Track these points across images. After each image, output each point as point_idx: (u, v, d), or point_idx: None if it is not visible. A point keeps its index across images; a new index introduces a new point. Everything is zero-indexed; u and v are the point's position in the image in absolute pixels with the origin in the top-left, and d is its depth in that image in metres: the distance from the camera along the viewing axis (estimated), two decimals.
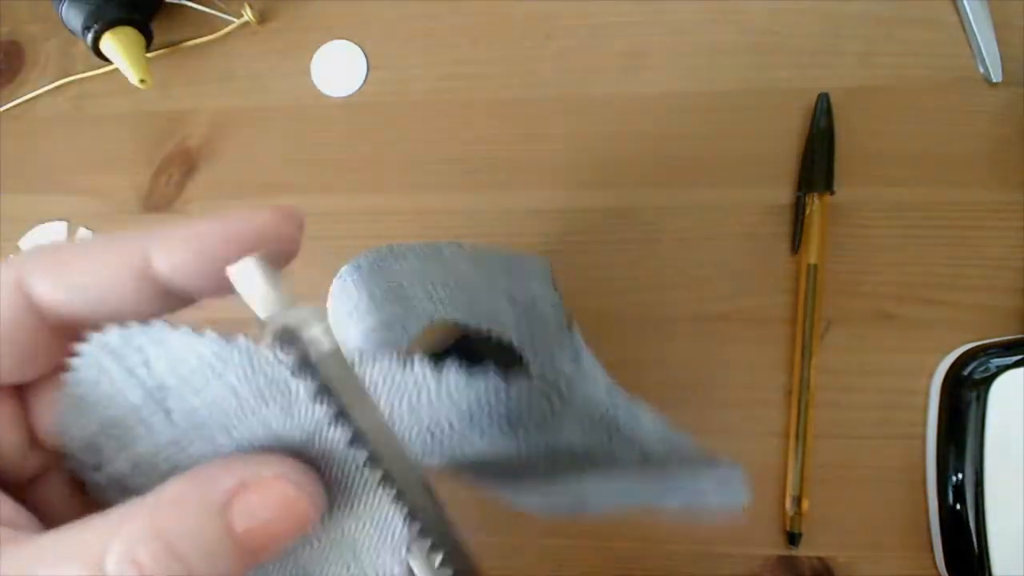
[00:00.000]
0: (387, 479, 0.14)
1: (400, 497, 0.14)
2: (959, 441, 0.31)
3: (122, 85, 0.38)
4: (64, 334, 0.16)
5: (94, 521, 0.13)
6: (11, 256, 0.15)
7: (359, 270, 0.31)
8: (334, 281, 0.32)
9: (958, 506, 0.30)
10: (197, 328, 0.14)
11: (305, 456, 0.15)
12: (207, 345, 0.14)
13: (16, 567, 0.13)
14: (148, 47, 0.38)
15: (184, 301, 0.16)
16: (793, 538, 0.33)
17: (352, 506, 0.15)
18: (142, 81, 0.37)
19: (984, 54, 0.34)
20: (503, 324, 0.32)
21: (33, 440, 0.16)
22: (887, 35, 0.35)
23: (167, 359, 0.15)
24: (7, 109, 0.40)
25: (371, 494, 0.15)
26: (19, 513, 0.15)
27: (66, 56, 0.41)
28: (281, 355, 0.13)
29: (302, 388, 0.14)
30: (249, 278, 0.13)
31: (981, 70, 0.34)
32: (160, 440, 0.15)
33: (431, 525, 0.15)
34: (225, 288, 0.14)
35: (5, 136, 0.40)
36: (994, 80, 0.34)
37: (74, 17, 0.37)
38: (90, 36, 0.36)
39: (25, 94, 0.40)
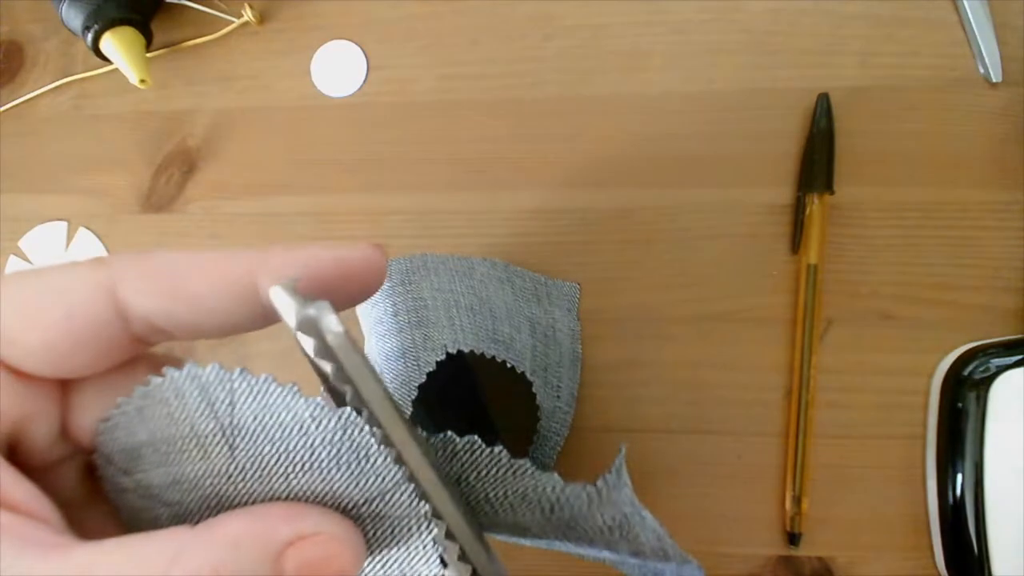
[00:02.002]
0: (399, 460, 0.15)
1: (413, 480, 0.15)
2: (959, 441, 0.31)
3: (122, 85, 0.38)
4: (138, 339, 0.16)
5: (146, 543, 0.13)
6: (103, 256, 0.15)
7: (389, 278, 0.31)
8: None
9: (958, 506, 0.30)
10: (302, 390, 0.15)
11: (355, 513, 0.16)
12: (307, 407, 0.15)
13: None
14: (148, 47, 0.38)
15: (275, 320, 0.16)
16: (793, 538, 0.33)
17: (385, 560, 0.17)
18: (142, 81, 0.37)
19: (984, 54, 0.34)
20: (519, 352, 0.32)
21: (63, 430, 0.16)
22: (887, 35, 0.35)
23: (256, 407, 0.15)
24: (7, 109, 0.40)
25: (406, 548, 0.16)
26: (43, 504, 0.15)
27: (66, 56, 0.41)
28: (305, 338, 0.14)
29: (373, 449, 0.15)
30: (283, 298, 0.15)
31: (981, 70, 0.34)
32: (213, 469, 0.15)
33: (459, 528, 0.16)
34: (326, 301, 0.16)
35: (5, 136, 0.40)
36: (994, 80, 0.34)
37: (74, 17, 0.37)
38: (90, 36, 0.36)
39: (25, 94, 0.40)
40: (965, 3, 0.34)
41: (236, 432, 0.15)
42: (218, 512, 0.16)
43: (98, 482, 0.17)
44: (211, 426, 0.15)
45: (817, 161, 0.34)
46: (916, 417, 0.33)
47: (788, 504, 0.33)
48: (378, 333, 0.32)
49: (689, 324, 0.35)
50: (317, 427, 0.15)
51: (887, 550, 0.33)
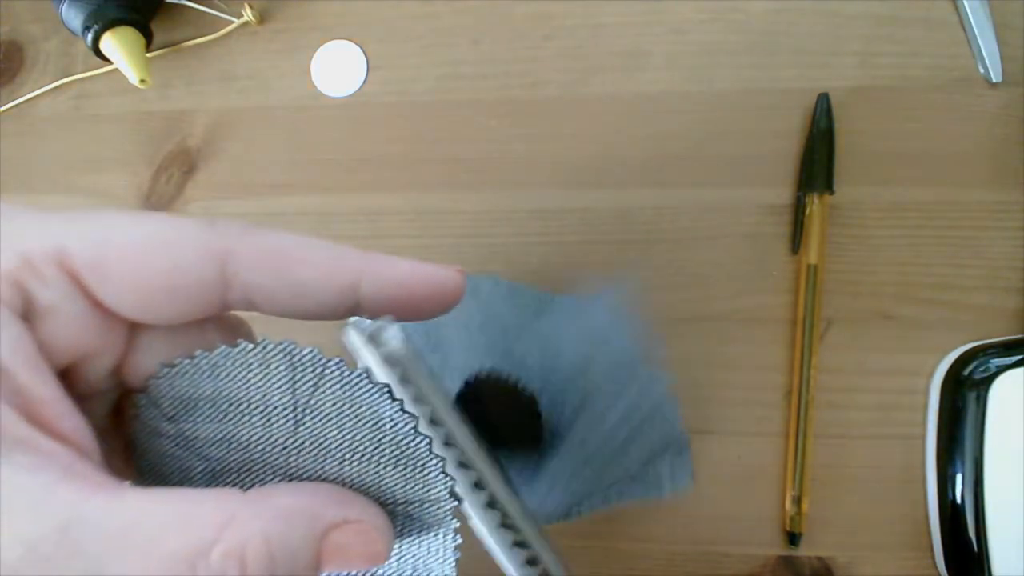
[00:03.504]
0: (464, 464, 0.17)
1: (472, 468, 0.17)
2: (959, 441, 0.31)
3: (122, 85, 0.38)
4: (226, 304, 0.16)
5: (198, 502, 0.14)
6: (216, 220, 0.16)
7: None
8: None
9: (958, 506, 0.30)
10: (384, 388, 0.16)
11: (390, 508, 0.17)
12: (391, 408, 0.16)
13: (114, 524, 0.13)
14: (148, 47, 0.38)
15: (353, 314, 0.17)
16: (793, 538, 0.33)
17: (400, 554, 0.18)
18: (142, 81, 0.37)
19: (984, 54, 0.34)
20: (530, 369, 0.32)
21: (117, 366, 0.17)
22: (887, 35, 0.35)
23: (340, 395, 0.16)
24: (7, 109, 0.40)
25: (425, 548, 0.17)
26: (87, 437, 0.15)
27: (66, 56, 0.41)
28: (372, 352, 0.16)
29: (431, 463, 0.16)
30: (353, 334, 0.17)
31: (981, 70, 0.34)
32: (271, 437, 0.16)
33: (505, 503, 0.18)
34: (390, 316, 0.17)
35: (5, 136, 0.40)
36: (994, 80, 0.34)
37: (74, 17, 0.37)
38: (90, 36, 0.36)
39: (25, 94, 0.40)
40: (965, 3, 0.34)
41: (307, 411, 0.16)
42: (260, 478, 0.16)
43: (121, 418, 0.17)
44: (285, 400, 0.16)
45: (817, 161, 0.34)
46: (916, 417, 0.33)
47: (788, 504, 0.33)
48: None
49: (689, 324, 0.35)
50: (392, 426, 0.16)
51: (887, 550, 0.33)
